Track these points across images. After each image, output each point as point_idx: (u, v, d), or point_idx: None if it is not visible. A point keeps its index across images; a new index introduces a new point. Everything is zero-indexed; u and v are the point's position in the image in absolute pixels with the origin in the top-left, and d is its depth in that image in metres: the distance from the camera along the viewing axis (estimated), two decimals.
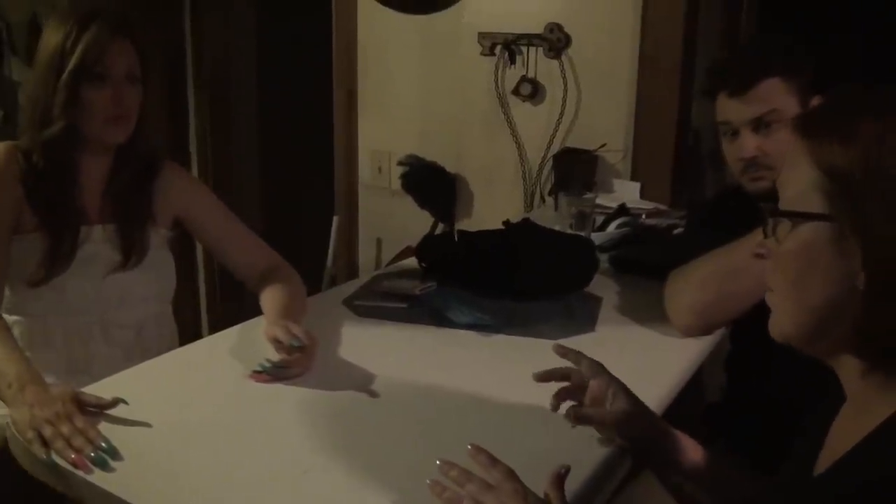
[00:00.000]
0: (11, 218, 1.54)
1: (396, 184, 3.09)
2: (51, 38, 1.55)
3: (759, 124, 1.54)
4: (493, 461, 0.97)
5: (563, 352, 1.21)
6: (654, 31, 2.49)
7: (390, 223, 3.25)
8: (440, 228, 3.06)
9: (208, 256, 3.60)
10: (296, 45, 3.60)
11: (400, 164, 2.99)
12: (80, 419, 1.14)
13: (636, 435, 1.15)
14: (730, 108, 1.56)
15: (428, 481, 0.98)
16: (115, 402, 1.21)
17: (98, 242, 1.62)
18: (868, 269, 0.73)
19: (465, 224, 2.92)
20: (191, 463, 1.12)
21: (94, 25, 1.53)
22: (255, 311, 1.59)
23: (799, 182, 0.79)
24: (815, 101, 1.56)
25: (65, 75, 1.51)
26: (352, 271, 3.40)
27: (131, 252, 1.63)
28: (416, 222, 3.09)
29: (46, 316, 1.58)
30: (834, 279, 0.76)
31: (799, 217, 0.78)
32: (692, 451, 1.12)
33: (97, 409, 1.20)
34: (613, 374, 1.28)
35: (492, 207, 2.88)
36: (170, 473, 1.09)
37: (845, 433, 0.80)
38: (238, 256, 1.74)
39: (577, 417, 1.14)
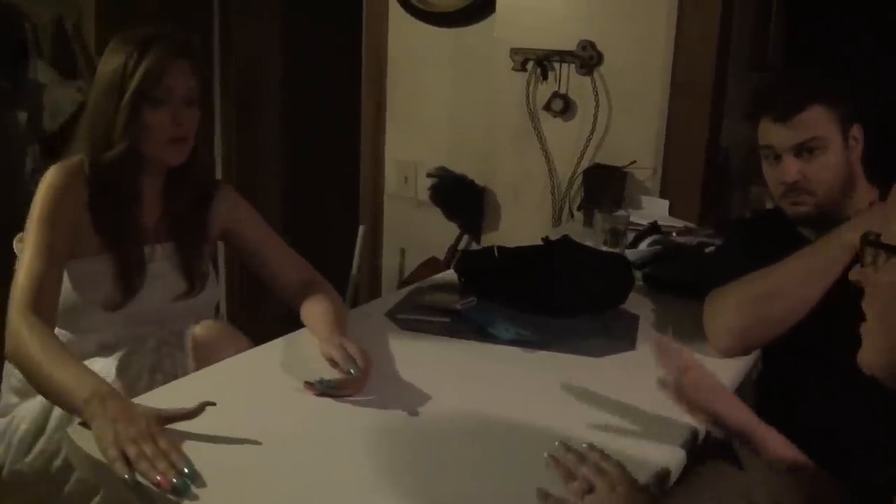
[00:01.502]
0: (73, 237, 1.55)
1: (422, 194, 3.12)
2: (111, 60, 1.57)
3: (802, 150, 1.57)
4: (605, 456, 1.10)
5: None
6: (686, 52, 2.51)
7: (414, 233, 3.28)
8: (465, 240, 3.09)
9: (229, 268, 3.65)
10: (323, 52, 3.64)
11: (429, 175, 3.02)
12: (164, 440, 1.13)
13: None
14: (773, 133, 1.59)
15: (545, 455, 1.13)
16: (201, 407, 1.20)
17: (160, 261, 1.67)
18: None
19: (493, 236, 2.95)
20: (271, 481, 1.13)
21: (155, 48, 1.55)
22: (271, 321, 1.61)
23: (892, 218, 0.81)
24: (856, 129, 1.60)
25: (126, 97, 1.54)
26: (375, 280, 3.43)
27: (194, 278, 1.69)
28: (440, 233, 3.12)
29: (119, 333, 1.62)
30: None
31: (877, 247, 0.81)
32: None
33: (185, 420, 1.20)
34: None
35: (520, 221, 2.91)
36: (254, 493, 1.10)
37: None
38: (276, 270, 1.78)
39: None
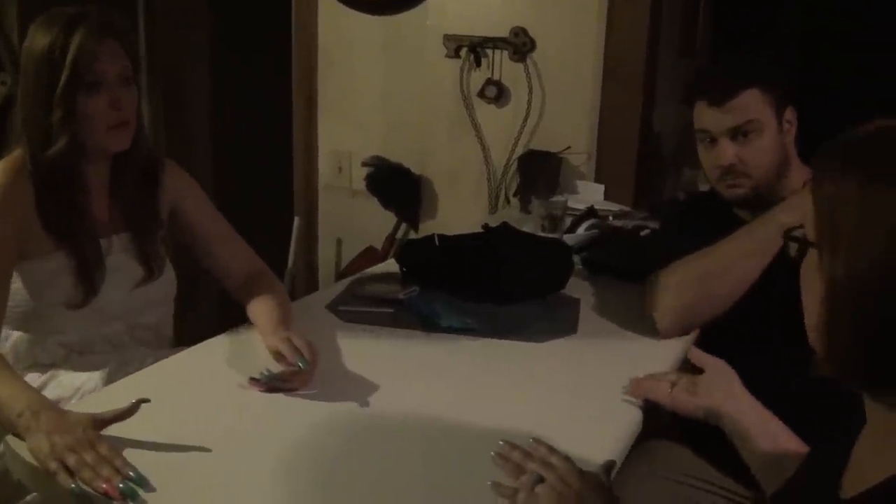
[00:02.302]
0: (22, 238, 1.47)
1: (357, 184, 3.10)
2: (35, 45, 1.47)
3: (738, 133, 1.60)
4: (552, 450, 1.09)
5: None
6: (617, 39, 2.55)
7: (351, 224, 3.25)
8: (403, 229, 3.07)
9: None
10: (252, 43, 3.56)
11: (364, 164, 3.00)
12: (104, 445, 1.09)
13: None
14: (709, 117, 1.62)
15: (492, 454, 1.11)
16: (136, 406, 1.16)
17: (117, 253, 1.60)
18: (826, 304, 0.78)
19: (430, 224, 2.94)
20: (220, 480, 1.12)
21: (80, 30, 1.45)
22: (213, 317, 1.57)
23: (807, 210, 0.84)
24: (789, 112, 1.64)
25: (59, 88, 1.45)
26: (311, 272, 3.39)
27: (151, 264, 1.63)
28: (376, 222, 3.10)
29: (84, 332, 1.56)
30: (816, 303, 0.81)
31: (799, 241, 0.85)
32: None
33: (121, 420, 1.16)
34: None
35: (456, 208, 2.91)
36: (204, 494, 1.09)
37: (873, 459, 0.82)
38: (223, 258, 1.72)
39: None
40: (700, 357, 1.36)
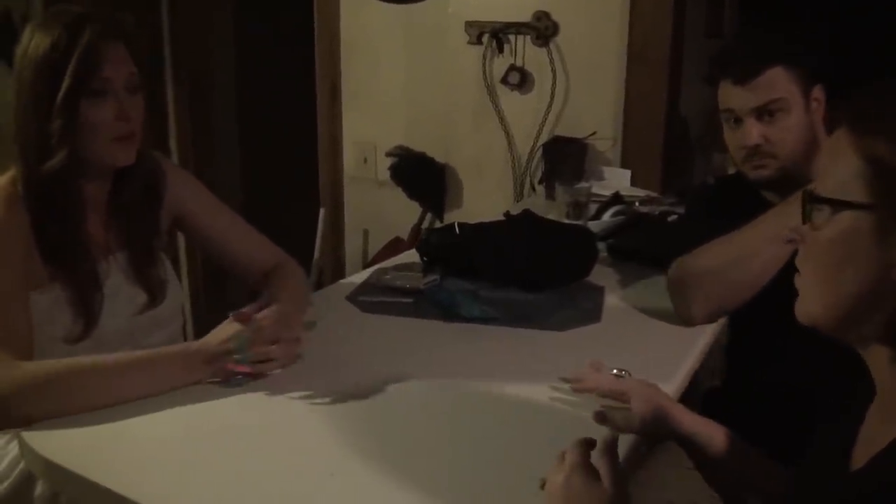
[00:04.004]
0: (25, 271, 1.35)
1: (382, 174, 3.08)
2: (35, 48, 1.34)
3: (763, 112, 1.55)
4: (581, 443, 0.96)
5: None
6: (642, 21, 2.50)
7: (376, 214, 3.24)
8: (429, 219, 3.05)
9: (192, 265, 3.55)
10: (275, 36, 3.57)
11: (388, 155, 2.98)
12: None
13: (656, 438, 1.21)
14: (734, 96, 1.57)
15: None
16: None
17: (115, 275, 1.48)
18: None
19: (456, 214, 2.92)
20: (217, 470, 1.11)
21: (85, 32, 1.33)
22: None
23: (841, 170, 0.78)
24: (817, 90, 1.58)
25: (59, 96, 1.32)
26: (338, 263, 3.39)
27: (154, 290, 1.52)
28: (402, 213, 3.09)
29: None
30: (871, 270, 0.76)
31: (840, 205, 0.78)
32: (720, 444, 1.13)
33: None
34: (623, 364, 1.34)
35: (481, 197, 2.88)
36: (195, 481, 1.08)
37: (879, 426, 0.80)
38: (240, 255, 1.66)
39: (598, 418, 1.19)
40: (615, 383, 1.30)
